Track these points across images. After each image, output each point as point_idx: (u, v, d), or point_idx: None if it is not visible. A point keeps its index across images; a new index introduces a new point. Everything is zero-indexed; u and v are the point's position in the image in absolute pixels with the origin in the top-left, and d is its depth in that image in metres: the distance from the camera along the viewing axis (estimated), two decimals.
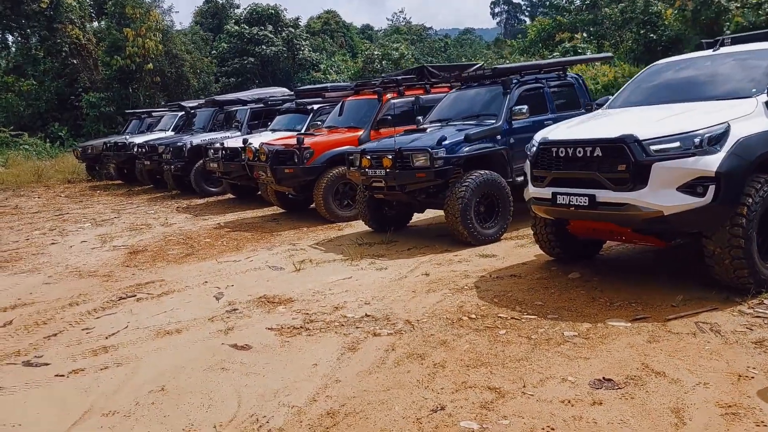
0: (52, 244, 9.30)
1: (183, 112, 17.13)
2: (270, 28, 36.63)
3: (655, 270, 5.73)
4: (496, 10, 73.34)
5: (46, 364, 4.41)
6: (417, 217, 8.97)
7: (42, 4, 28.61)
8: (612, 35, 25.76)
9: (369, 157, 7.62)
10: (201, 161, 13.00)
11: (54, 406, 3.76)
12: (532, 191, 5.43)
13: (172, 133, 16.65)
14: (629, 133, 4.61)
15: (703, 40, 6.57)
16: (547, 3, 44.12)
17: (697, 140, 4.44)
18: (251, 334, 4.77)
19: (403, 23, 59.48)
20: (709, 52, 5.89)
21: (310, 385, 3.77)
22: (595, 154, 4.80)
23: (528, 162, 5.53)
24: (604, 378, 3.56)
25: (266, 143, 9.97)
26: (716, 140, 4.45)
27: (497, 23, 75.08)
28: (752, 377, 3.45)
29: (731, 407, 3.14)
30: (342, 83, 17.13)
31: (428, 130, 7.85)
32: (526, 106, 7.48)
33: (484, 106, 8.05)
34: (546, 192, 5.20)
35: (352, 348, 4.32)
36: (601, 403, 3.28)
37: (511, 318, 4.68)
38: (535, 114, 7.83)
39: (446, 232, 7.59)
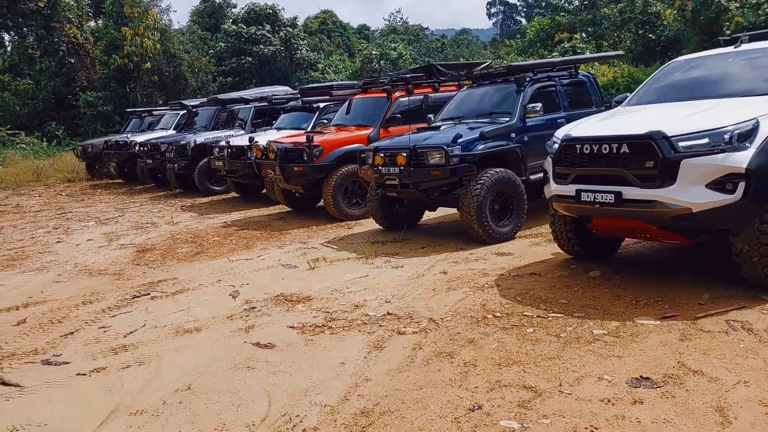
0: (58, 242, 9.18)
1: (184, 111, 17.02)
2: (267, 27, 36.49)
3: (675, 268, 5.69)
4: (492, 10, 73.42)
5: (66, 363, 4.32)
6: (428, 216, 8.91)
7: (39, 3, 28.40)
8: (611, 35, 25.78)
9: (382, 154, 7.54)
10: (205, 160, 12.90)
11: (79, 405, 3.67)
12: (554, 188, 5.35)
13: (174, 131, 16.54)
14: (657, 129, 4.56)
15: (720, 38, 6.55)
16: (543, 3, 44.15)
17: (726, 137, 4.39)
18: (273, 332, 4.70)
19: (400, 23, 59.43)
20: (730, 48, 5.86)
21: (340, 384, 3.70)
22: (621, 151, 4.74)
23: (549, 159, 5.46)
24: (641, 377, 3.50)
25: (274, 141, 9.88)
26: (745, 137, 4.40)
27: (493, 24, 75.18)
28: None
29: None
30: (346, 82, 17.03)
31: (442, 128, 7.79)
32: (540, 104, 7.44)
33: (496, 104, 8.01)
34: (569, 189, 5.14)
35: (378, 346, 4.25)
36: (642, 402, 3.22)
37: (537, 316, 4.62)
38: (548, 112, 7.81)
39: (459, 230, 7.53)
